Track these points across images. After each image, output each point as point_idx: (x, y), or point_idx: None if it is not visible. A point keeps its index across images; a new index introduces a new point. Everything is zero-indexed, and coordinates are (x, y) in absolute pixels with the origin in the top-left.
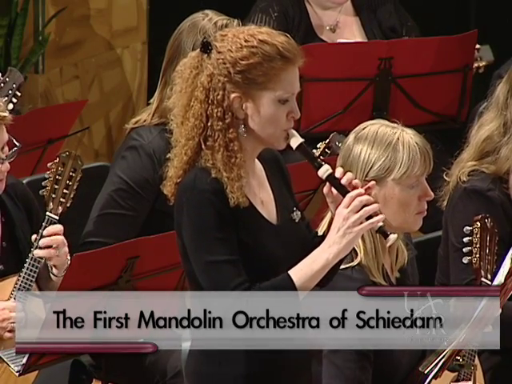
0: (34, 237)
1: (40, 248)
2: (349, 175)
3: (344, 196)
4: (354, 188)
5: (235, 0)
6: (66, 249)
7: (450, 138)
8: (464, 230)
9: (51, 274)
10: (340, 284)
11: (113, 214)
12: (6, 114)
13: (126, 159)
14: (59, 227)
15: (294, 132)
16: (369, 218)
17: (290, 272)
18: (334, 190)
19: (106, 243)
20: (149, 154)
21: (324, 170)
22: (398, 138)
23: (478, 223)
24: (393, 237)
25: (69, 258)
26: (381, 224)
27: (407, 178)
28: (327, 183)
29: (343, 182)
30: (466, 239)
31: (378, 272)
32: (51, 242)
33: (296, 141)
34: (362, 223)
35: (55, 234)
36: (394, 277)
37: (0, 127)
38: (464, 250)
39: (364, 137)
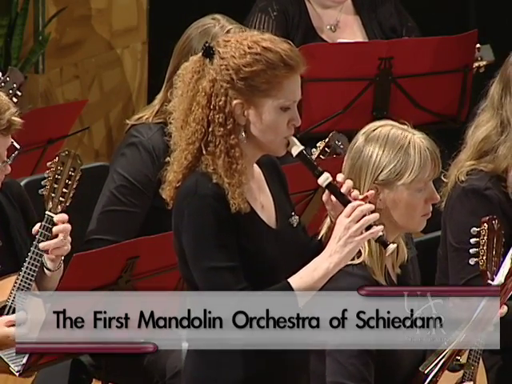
0: (36, 227)
1: (43, 241)
2: (349, 183)
3: (344, 204)
4: (354, 197)
5: (235, 0)
6: (69, 238)
7: (448, 140)
8: (471, 230)
9: (45, 269)
10: (340, 280)
11: (115, 210)
12: (19, 119)
13: (125, 156)
14: (66, 216)
15: (295, 139)
16: (369, 227)
17: (290, 280)
18: (333, 198)
19: (109, 240)
20: (148, 150)
21: (324, 179)
22: (410, 142)
23: (486, 225)
24: (392, 247)
25: (69, 247)
26: (381, 234)
27: (417, 182)
28: (326, 191)
29: (343, 190)
30: (472, 240)
31: (380, 272)
32: (64, 230)
33: (296, 148)
34: (362, 233)
35: (63, 222)
36: (395, 273)
37: (10, 133)
38: (471, 251)
39: (375, 138)
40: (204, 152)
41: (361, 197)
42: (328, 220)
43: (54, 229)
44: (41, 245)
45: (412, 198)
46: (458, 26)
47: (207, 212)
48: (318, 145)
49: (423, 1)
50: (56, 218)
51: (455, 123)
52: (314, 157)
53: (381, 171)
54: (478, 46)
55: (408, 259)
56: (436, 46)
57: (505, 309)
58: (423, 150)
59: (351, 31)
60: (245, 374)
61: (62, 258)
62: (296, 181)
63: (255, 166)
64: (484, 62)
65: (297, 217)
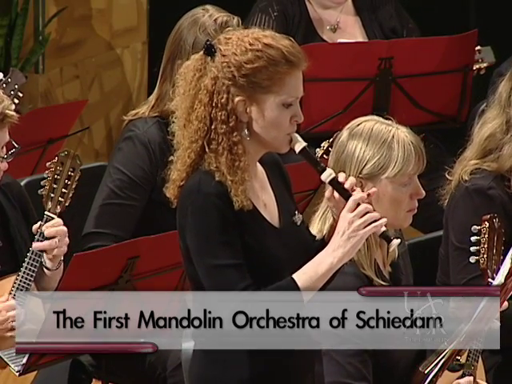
0: (35, 227)
1: (41, 241)
2: (352, 180)
3: (347, 200)
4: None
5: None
6: (67, 239)
7: (450, 138)
8: (472, 228)
9: (45, 269)
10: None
11: (112, 204)
12: (14, 113)
13: (121, 150)
14: (59, 220)
15: (298, 136)
16: (372, 222)
17: (295, 276)
18: (336, 195)
19: (107, 234)
20: (144, 143)
21: (327, 175)
22: (393, 136)
23: (487, 223)
24: (396, 242)
25: (66, 248)
26: (384, 229)
27: (401, 176)
28: (330, 187)
29: (346, 186)
30: (473, 238)
31: (369, 267)
32: (56, 233)
33: (299, 145)
34: (366, 227)
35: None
36: (387, 271)
37: (4, 126)
38: (471, 249)
39: (359, 133)
40: (207, 150)
41: (364, 194)
42: (316, 215)
43: (47, 232)
44: (34, 245)
45: (396, 193)
46: (458, 26)
47: (210, 210)
48: (322, 145)
49: (423, 1)
50: (46, 226)
51: (455, 123)
52: (317, 156)
53: (364, 165)
54: (478, 47)
55: (398, 255)
56: (436, 46)
57: (506, 304)
58: (407, 144)
59: (351, 32)
60: (251, 373)
61: (62, 257)
62: (296, 181)
63: (258, 165)
64: (485, 64)
65: (300, 215)
